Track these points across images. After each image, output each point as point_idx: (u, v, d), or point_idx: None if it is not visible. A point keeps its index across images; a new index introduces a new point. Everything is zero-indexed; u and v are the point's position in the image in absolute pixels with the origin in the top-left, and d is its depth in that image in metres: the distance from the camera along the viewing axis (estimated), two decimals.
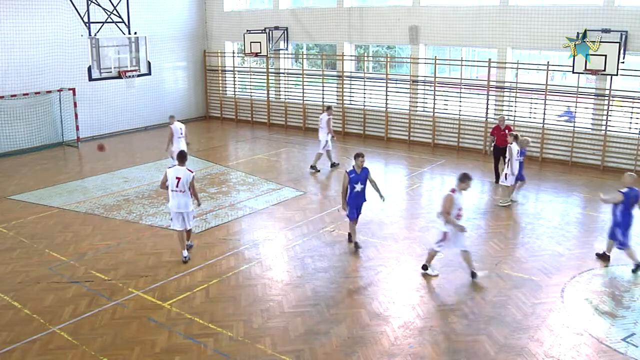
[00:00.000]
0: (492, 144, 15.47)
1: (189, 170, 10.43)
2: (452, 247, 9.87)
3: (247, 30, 23.48)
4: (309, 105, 23.28)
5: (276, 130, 23.49)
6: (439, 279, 9.94)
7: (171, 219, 10.72)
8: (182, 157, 10.59)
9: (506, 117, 16.97)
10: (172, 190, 10.35)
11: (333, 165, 17.36)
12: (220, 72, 25.77)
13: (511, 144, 13.44)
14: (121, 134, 22.95)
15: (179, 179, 10.28)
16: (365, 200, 11.41)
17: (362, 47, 22.80)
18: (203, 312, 8.85)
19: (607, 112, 16.85)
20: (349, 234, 11.61)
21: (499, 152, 15.32)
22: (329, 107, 17.61)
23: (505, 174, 13.55)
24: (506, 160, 13.62)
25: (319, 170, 17.05)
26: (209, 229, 12.39)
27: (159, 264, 10.61)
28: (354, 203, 11.18)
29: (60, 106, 20.83)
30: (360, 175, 11.12)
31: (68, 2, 17.26)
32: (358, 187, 11.11)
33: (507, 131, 15.17)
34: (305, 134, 22.61)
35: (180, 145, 15.64)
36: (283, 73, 24.10)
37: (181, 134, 15.96)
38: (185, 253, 10.67)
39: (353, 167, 11.16)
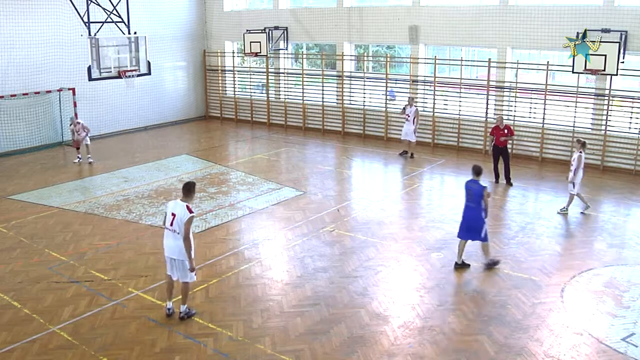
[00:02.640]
0: (492, 144, 15.47)
1: (188, 209, 8.28)
2: None
3: (247, 30, 23.48)
4: (309, 105, 23.28)
5: (276, 130, 23.49)
6: (439, 279, 9.93)
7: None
8: (186, 189, 8.54)
9: (505, 117, 16.98)
10: (166, 228, 8.48)
11: (405, 153, 18.75)
12: (220, 72, 25.77)
13: (580, 152, 12.78)
14: (121, 134, 22.95)
15: (174, 215, 8.34)
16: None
17: (362, 46, 22.79)
18: (203, 311, 8.85)
19: (607, 112, 16.85)
20: (491, 262, 10.38)
21: (498, 152, 15.34)
22: (412, 99, 18.65)
23: (574, 183, 12.83)
24: (572, 168, 12.80)
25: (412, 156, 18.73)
26: (208, 229, 12.39)
27: (158, 264, 10.58)
28: None
29: (60, 106, 20.83)
30: None
31: (68, 2, 17.26)
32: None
33: (506, 130, 15.18)
34: (305, 134, 22.62)
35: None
36: (283, 73, 24.10)
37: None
38: (170, 304, 8.74)
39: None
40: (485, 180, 15.93)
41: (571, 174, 12.91)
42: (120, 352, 7.81)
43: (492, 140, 15.43)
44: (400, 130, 20.94)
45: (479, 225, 10.01)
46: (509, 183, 15.42)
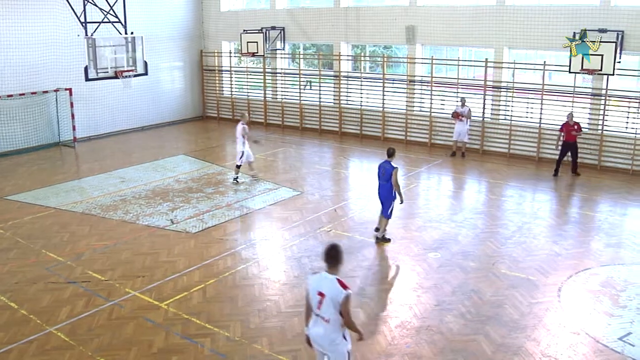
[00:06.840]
0: (561, 140, 16.12)
1: (341, 284, 5.76)
2: None
3: (244, 30, 23.45)
4: (306, 105, 23.28)
5: (273, 130, 23.48)
6: (436, 279, 9.94)
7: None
8: (329, 256, 5.90)
9: (502, 117, 17.00)
10: (313, 312, 6.03)
11: (454, 155, 18.82)
12: (217, 72, 25.75)
13: None
14: (118, 134, 22.91)
15: (322, 296, 5.85)
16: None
17: (359, 47, 22.79)
18: (200, 312, 8.84)
19: (604, 112, 16.89)
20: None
21: (568, 147, 16.06)
22: (464, 99, 18.61)
23: None
24: None
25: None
26: (206, 229, 12.38)
27: (155, 264, 10.60)
28: None
29: (56, 106, 20.78)
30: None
31: (64, 2, 17.22)
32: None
33: (575, 126, 15.83)
34: (303, 134, 22.61)
35: (244, 147, 15.33)
36: (280, 73, 24.10)
37: (244, 134, 15.31)
38: None
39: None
40: (481, 180, 16.05)
41: None
42: (118, 352, 7.80)
43: (561, 137, 16.11)
44: (399, 131, 21.03)
45: (387, 202, 11.31)
46: (576, 173, 16.15)
